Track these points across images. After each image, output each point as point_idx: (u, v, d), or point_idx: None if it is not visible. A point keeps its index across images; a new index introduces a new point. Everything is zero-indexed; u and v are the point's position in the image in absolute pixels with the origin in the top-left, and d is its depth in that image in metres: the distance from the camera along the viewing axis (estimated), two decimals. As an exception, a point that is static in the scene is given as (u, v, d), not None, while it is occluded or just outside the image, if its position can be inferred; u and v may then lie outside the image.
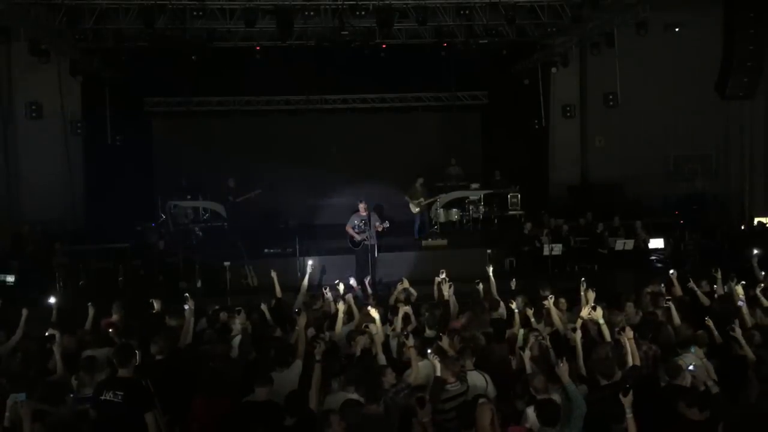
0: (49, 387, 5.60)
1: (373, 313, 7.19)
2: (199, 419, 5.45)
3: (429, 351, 5.98)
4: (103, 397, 5.15)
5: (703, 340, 6.58)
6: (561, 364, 5.43)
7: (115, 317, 8.11)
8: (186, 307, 7.36)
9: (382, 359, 6.39)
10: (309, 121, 18.38)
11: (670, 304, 7.80)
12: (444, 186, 16.08)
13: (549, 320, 7.64)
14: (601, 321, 6.83)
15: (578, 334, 6.51)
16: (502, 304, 8.52)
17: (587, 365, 6.20)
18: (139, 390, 5.18)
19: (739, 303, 7.64)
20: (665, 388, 5.73)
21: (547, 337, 6.77)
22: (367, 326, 7.03)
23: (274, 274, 9.37)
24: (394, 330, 7.43)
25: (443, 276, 8.98)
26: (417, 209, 14.91)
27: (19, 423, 4.72)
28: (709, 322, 6.86)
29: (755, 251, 9.99)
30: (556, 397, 5.36)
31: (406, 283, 9.31)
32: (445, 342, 6.40)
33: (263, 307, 8.21)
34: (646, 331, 6.86)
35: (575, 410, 5.17)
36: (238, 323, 7.44)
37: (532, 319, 7.47)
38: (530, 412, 5.22)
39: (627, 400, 4.87)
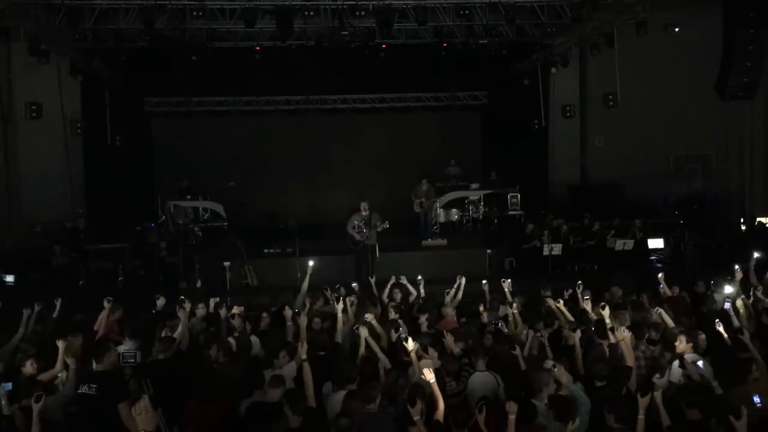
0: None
1: (371, 314, 7.19)
2: (194, 421, 5.43)
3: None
4: (79, 391, 5.24)
5: (702, 342, 6.57)
6: (556, 368, 5.42)
7: (114, 317, 8.08)
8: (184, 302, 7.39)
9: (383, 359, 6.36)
10: (309, 121, 18.38)
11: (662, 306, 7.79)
12: (444, 186, 16.08)
13: (548, 320, 7.64)
14: (608, 321, 6.83)
15: (577, 334, 6.51)
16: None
17: (584, 365, 6.20)
18: (112, 381, 5.26)
19: (726, 305, 7.61)
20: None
21: (545, 336, 6.80)
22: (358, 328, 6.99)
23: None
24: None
25: (459, 282, 9.04)
26: (420, 209, 14.96)
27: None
28: (719, 325, 6.81)
29: (755, 255, 9.95)
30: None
31: (404, 280, 9.30)
32: (449, 340, 6.42)
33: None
34: (641, 331, 6.85)
35: (581, 405, 5.18)
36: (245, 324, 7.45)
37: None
38: (542, 407, 5.22)
39: (644, 401, 4.77)
